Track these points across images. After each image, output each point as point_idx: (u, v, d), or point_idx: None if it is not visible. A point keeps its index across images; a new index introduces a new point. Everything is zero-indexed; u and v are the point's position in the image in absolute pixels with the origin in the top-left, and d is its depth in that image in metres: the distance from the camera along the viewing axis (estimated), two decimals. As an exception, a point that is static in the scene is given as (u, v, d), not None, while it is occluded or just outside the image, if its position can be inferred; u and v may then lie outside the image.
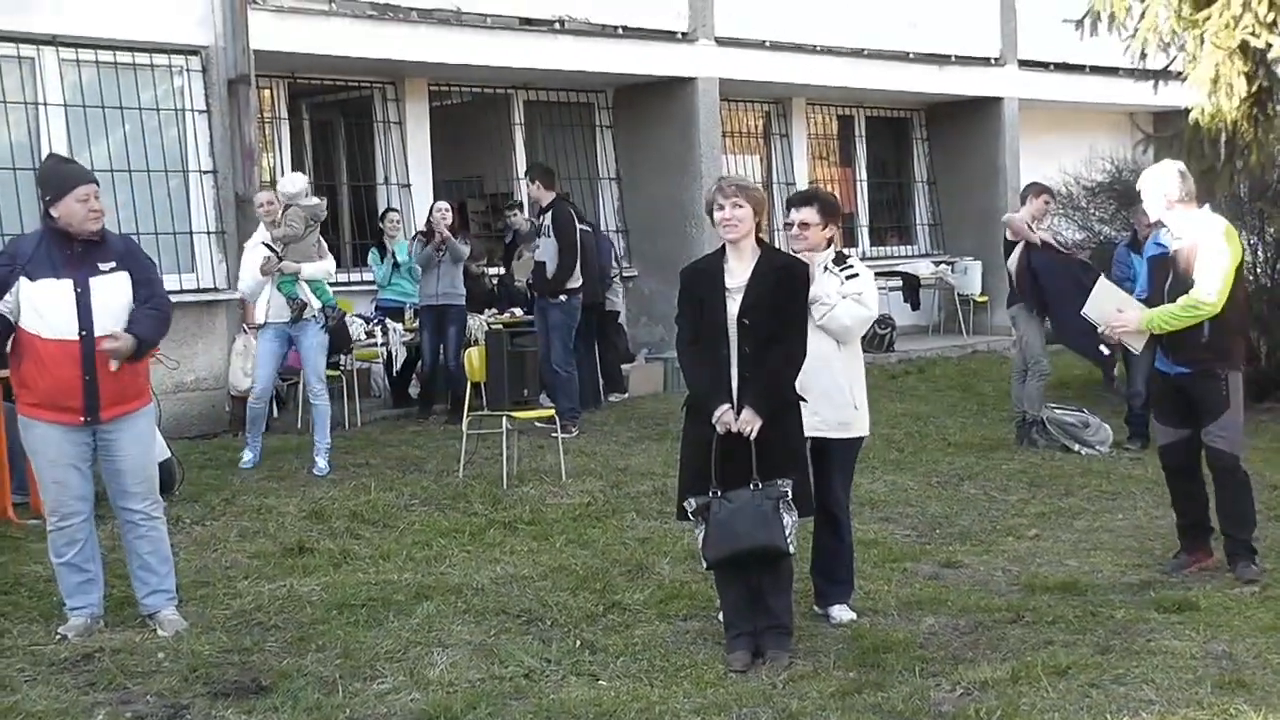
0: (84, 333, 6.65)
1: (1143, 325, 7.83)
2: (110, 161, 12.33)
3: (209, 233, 12.90)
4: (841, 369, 7.08)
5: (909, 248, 20.85)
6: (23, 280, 6.67)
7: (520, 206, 15.43)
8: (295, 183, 11.51)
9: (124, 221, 11.96)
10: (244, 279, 11.33)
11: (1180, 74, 12.60)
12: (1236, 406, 7.79)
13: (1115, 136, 19.74)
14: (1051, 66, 20.35)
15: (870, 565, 8.07)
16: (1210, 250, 7.65)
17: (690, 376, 6.68)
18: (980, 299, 19.76)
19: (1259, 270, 14.27)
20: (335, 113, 16.51)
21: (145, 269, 6.95)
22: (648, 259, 16.62)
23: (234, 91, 12.95)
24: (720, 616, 6.77)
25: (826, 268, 7.09)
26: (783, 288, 6.50)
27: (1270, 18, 11.32)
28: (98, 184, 6.85)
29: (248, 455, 11.15)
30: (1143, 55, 12.39)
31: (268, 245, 11.09)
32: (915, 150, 21.00)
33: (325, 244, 11.55)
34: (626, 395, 14.92)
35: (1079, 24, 12.92)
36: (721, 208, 6.54)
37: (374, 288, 14.53)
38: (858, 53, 18.18)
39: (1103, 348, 10.56)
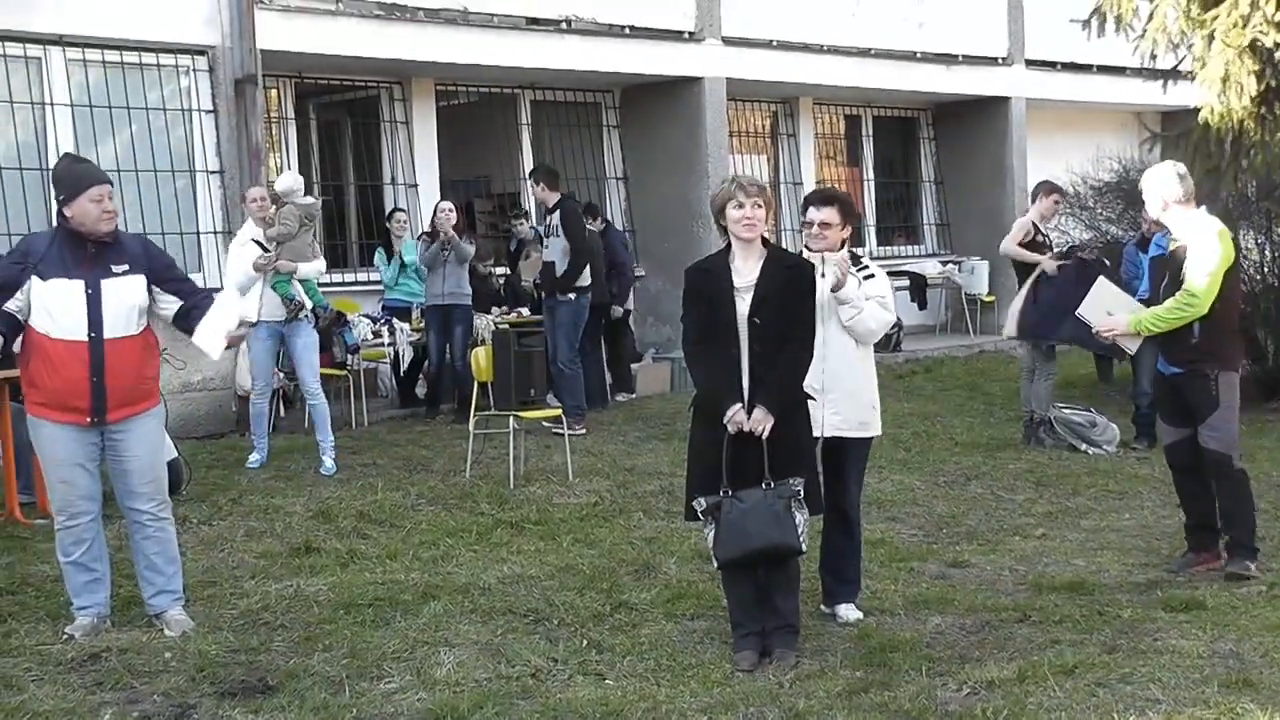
0: (93, 334, 6.65)
1: (1132, 328, 7.90)
2: (117, 161, 12.34)
3: (216, 233, 12.91)
4: (862, 370, 7.10)
5: (916, 247, 20.84)
6: (34, 279, 6.66)
7: (526, 215, 15.42)
8: (289, 181, 11.50)
9: (130, 221, 11.93)
10: (232, 275, 11.29)
11: (1189, 74, 12.58)
12: (1228, 406, 7.80)
13: (1122, 136, 19.69)
14: (1059, 66, 20.35)
15: (877, 565, 8.06)
16: (1200, 250, 7.71)
17: (700, 376, 6.65)
18: (988, 298, 19.74)
19: (1266, 269, 14.25)
20: (342, 113, 16.52)
21: (171, 266, 7.03)
22: (654, 259, 16.62)
23: (241, 91, 12.96)
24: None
25: (836, 264, 7.08)
26: (792, 287, 6.50)
27: (1279, 17, 11.30)
28: (112, 184, 6.85)
29: (255, 455, 11.16)
30: (1152, 56, 12.38)
31: (259, 242, 11.07)
32: (922, 150, 20.99)
33: (318, 244, 11.53)
34: (634, 395, 14.93)
35: (1086, 24, 12.91)
36: (742, 206, 6.52)
37: (380, 288, 14.53)
38: (865, 52, 18.18)
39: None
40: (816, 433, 6.94)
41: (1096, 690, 5.93)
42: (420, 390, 14.13)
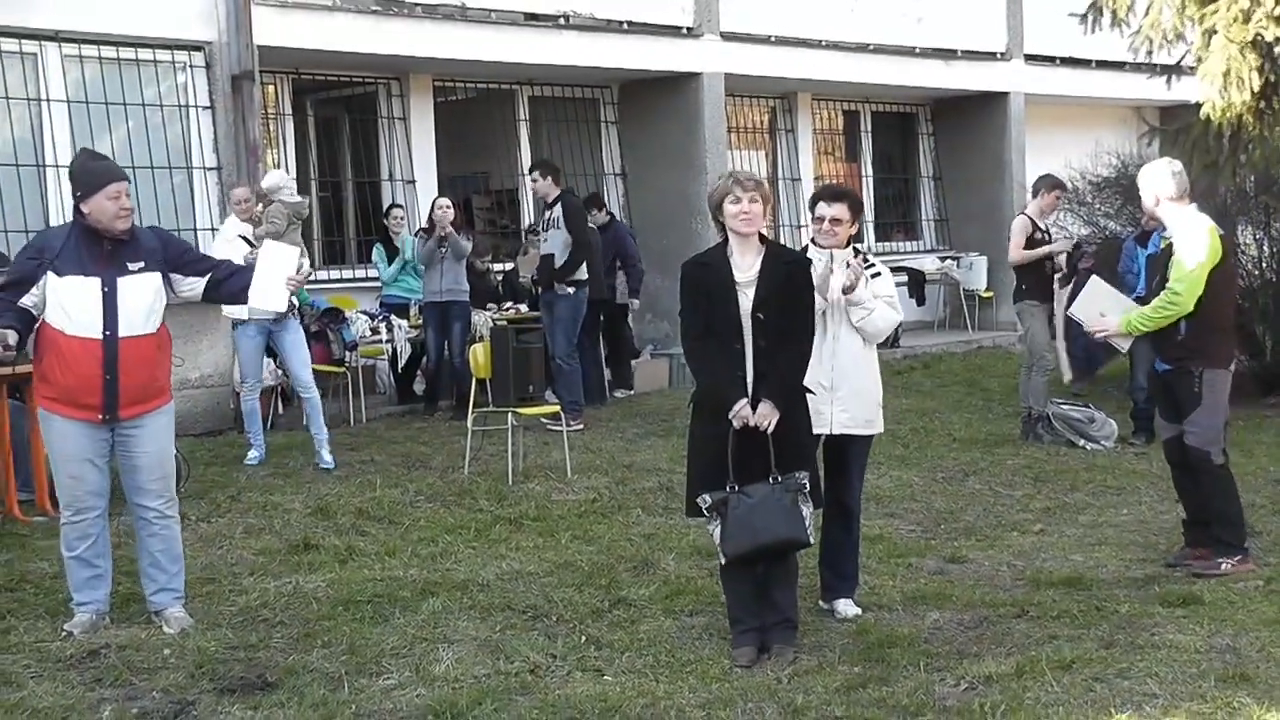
0: (108, 332, 6.65)
1: (1122, 328, 7.97)
2: (114, 157, 12.17)
3: (213, 229, 12.89)
4: (869, 368, 7.13)
5: (914, 243, 20.84)
6: (50, 275, 6.66)
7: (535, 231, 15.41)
8: (275, 178, 11.49)
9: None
10: None
11: (1189, 68, 12.59)
12: (1212, 404, 7.84)
13: (1121, 131, 19.67)
14: (1057, 61, 20.36)
15: (875, 560, 8.07)
16: (1185, 248, 7.77)
17: (701, 372, 6.62)
18: (986, 294, 19.75)
19: (1264, 265, 14.25)
20: (340, 109, 16.51)
21: (186, 251, 7.09)
22: (653, 254, 16.60)
23: (238, 88, 12.95)
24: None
25: (849, 264, 7.09)
26: (793, 283, 6.50)
27: (1279, 11, 11.31)
28: (129, 182, 6.86)
29: (253, 452, 11.15)
30: (1148, 51, 12.39)
31: (246, 239, 11.06)
32: (921, 145, 20.99)
33: (304, 244, 11.52)
34: (632, 391, 14.93)
35: (1084, 19, 12.92)
36: (739, 200, 6.51)
37: (379, 284, 14.52)
38: (863, 48, 18.19)
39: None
40: (824, 430, 6.97)
41: (1094, 685, 5.94)
42: (418, 387, 14.13)
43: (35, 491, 9.41)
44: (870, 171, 20.43)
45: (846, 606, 7.13)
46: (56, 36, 12.19)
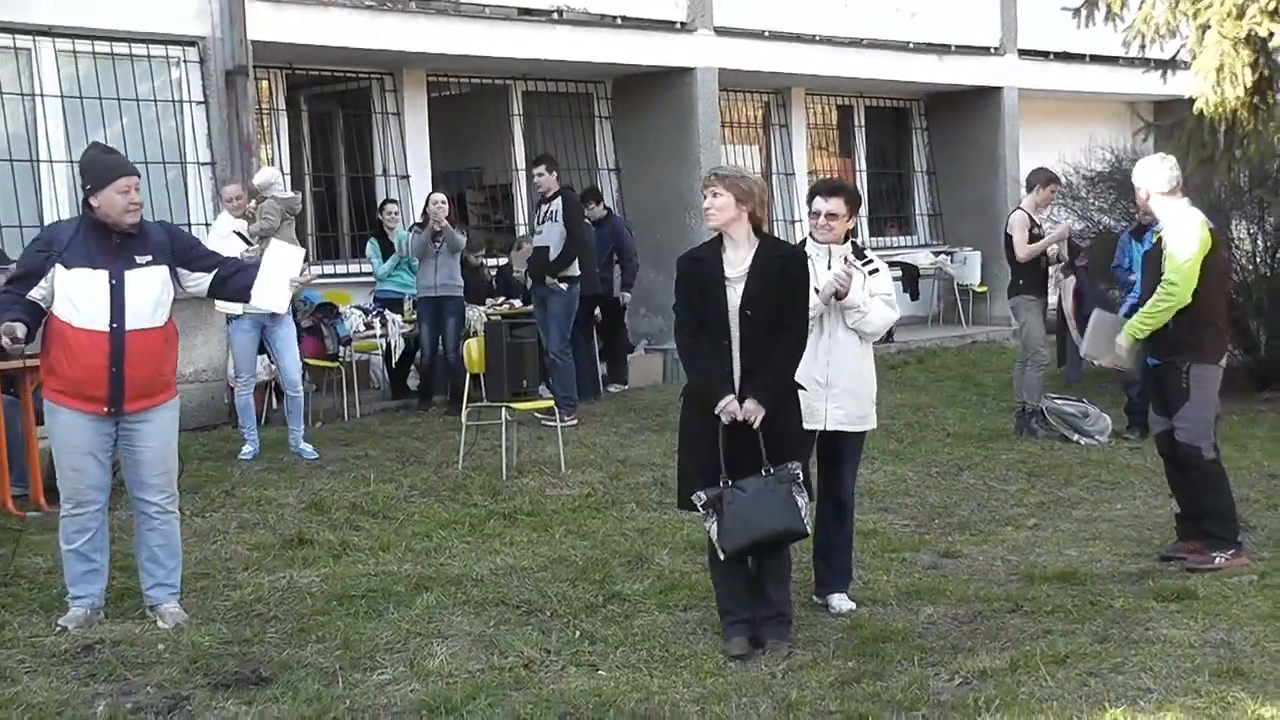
0: (115, 325, 6.65)
1: (1127, 338, 7.96)
2: (108, 153, 12.30)
3: (207, 224, 12.86)
4: (864, 364, 7.13)
5: (908, 238, 20.84)
6: (58, 268, 6.67)
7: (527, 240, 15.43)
8: (267, 174, 11.51)
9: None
10: None
11: (1184, 63, 12.59)
12: (1200, 399, 7.86)
13: (1115, 126, 19.73)
14: (1051, 56, 20.36)
15: (869, 555, 8.08)
16: (1176, 240, 7.81)
17: (692, 367, 6.64)
18: (980, 289, 19.76)
19: (1258, 259, 14.27)
20: (333, 104, 16.49)
21: (192, 247, 7.09)
22: (646, 250, 16.58)
23: (232, 83, 12.94)
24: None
25: (847, 259, 7.09)
26: (785, 278, 6.48)
27: (1273, 6, 11.31)
28: (139, 176, 6.88)
29: (247, 447, 11.16)
30: (1141, 46, 12.39)
31: (240, 234, 11.06)
32: (915, 140, 20.99)
33: (298, 240, 11.53)
34: (626, 386, 14.93)
35: (1077, 13, 12.91)
36: (704, 195, 6.55)
37: (373, 279, 14.51)
38: (857, 42, 18.18)
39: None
40: (819, 426, 6.98)
41: (1088, 680, 5.95)
42: (412, 382, 14.13)
43: (30, 486, 9.39)
44: (864, 166, 20.42)
45: (841, 601, 7.14)
46: (50, 32, 12.16)
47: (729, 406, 6.35)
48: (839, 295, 6.97)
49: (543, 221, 13.13)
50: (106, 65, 12.57)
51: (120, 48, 12.57)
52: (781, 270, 6.48)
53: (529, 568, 7.95)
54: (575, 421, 12.42)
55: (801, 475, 6.43)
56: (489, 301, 14.42)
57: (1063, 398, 12.16)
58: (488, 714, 5.68)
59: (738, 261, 6.50)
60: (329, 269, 15.13)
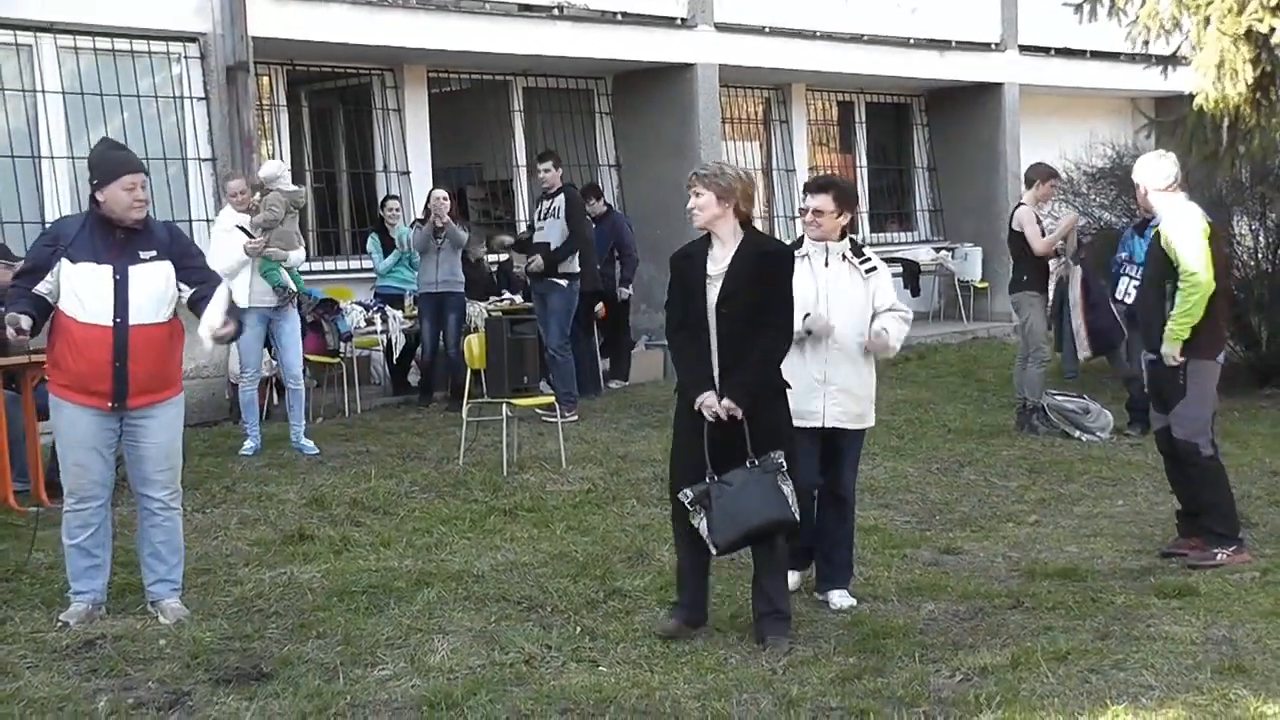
0: (119, 320, 6.66)
1: (1170, 341, 7.82)
2: (109, 149, 12.30)
3: (207, 220, 12.87)
4: (867, 367, 7.14)
5: (909, 234, 20.84)
6: (64, 262, 6.69)
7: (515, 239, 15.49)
8: (272, 167, 11.53)
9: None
10: (217, 261, 11.24)
11: (1185, 59, 12.58)
12: (1196, 395, 7.84)
13: (1116, 121, 19.72)
14: (1052, 51, 20.34)
15: (870, 551, 8.08)
16: (1179, 233, 7.79)
17: (677, 364, 6.72)
18: (981, 285, 19.76)
19: (1260, 255, 14.26)
20: (334, 100, 16.48)
21: (193, 255, 7.02)
22: (647, 246, 16.59)
23: (232, 79, 12.93)
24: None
25: (845, 256, 7.09)
26: (764, 274, 6.48)
27: (1274, 2, 11.31)
28: (146, 173, 6.86)
29: (248, 443, 11.16)
30: (1144, 41, 12.38)
31: (243, 229, 11.06)
32: (916, 136, 20.97)
33: (300, 233, 11.55)
34: (627, 382, 14.93)
35: (1079, 9, 12.91)
36: (688, 195, 6.57)
37: (374, 275, 14.50)
38: (858, 38, 18.16)
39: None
40: (817, 424, 6.99)
41: (1089, 676, 5.94)
42: (413, 378, 14.13)
43: (31, 482, 9.39)
44: (865, 162, 20.41)
45: (841, 598, 7.13)
46: (51, 28, 12.16)
47: (706, 401, 6.39)
48: (878, 346, 7.06)
49: (544, 218, 13.12)
50: (108, 61, 12.57)
51: (121, 44, 12.57)
52: (759, 267, 6.48)
53: (530, 564, 7.95)
54: (576, 417, 12.42)
55: (786, 465, 6.44)
56: (492, 298, 14.42)
57: (1064, 394, 12.15)
58: (489, 710, 5.67)
59: (721, 258, 6.53)
60: (329, 265, 15.14)
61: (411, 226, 13.75)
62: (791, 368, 6.87)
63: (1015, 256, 12.22)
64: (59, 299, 6.73)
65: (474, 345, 11.19)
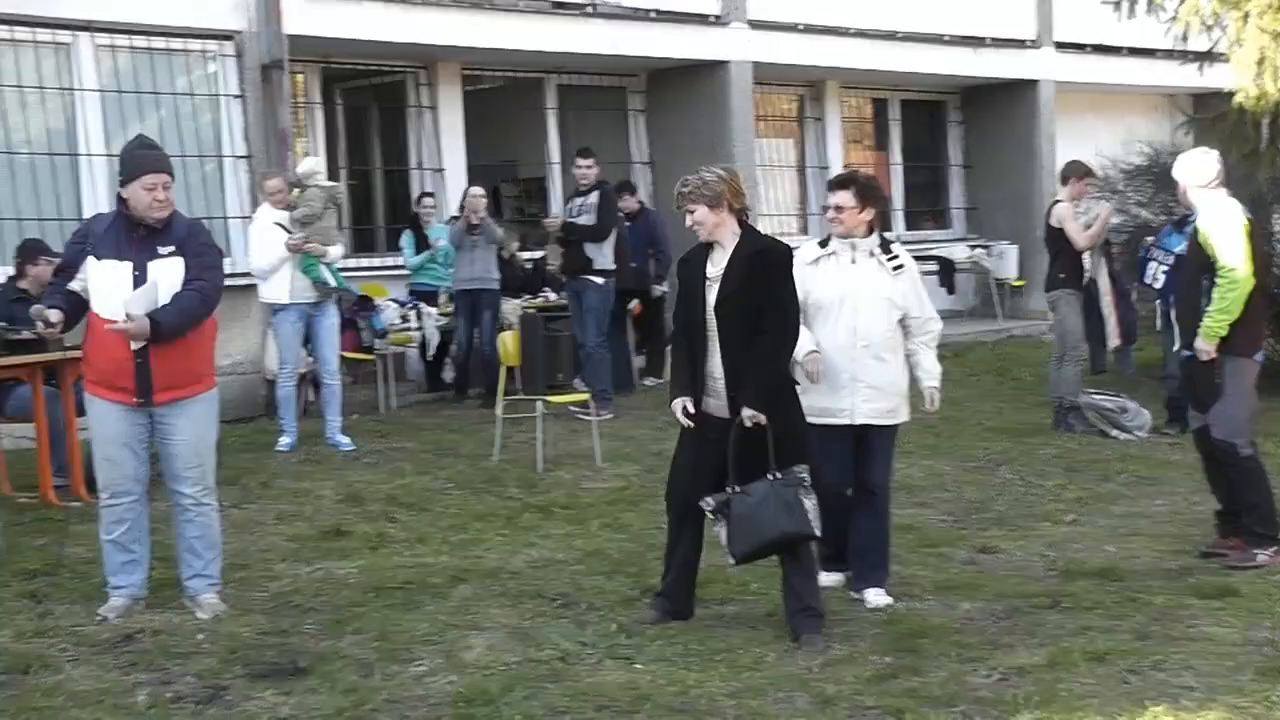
0: (139, 315, 6.66)
1: (1205, 338, 7.76)
2: (146, 146, 12.37)
3: (243, 217, 12.93)
4: (896, 364, 7.12)
5: (944, 232, 20.76)
6: (90, 259, 6.73)
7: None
8: (310, 164, 11.62)
9: (160, 206, 11.99)
10: (257, 258, 11.34)
11: (1223, 56, 12.50)
12: (1234, 395, 7.78)
13: (1153, 118, 19.58)
14: (1088, 48, 20.22)
15: (906, 550, 8.04)
16: (1216, 228, 7.75)
17: (671, 368, 6.80)
18: (1017, 283, 19.66)
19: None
20: (368, 97, 16.53)
21: (199, 252, 6.87)
22: (679, 244, 16.57)
23: (268, 77, 12.99)
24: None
25: (873, 253, 7.07)
26: (760, 274, 6.47)
27: (1313, 0, 11.24)
28: (170, 174, 6.83)
29: (285, 439, 11.20)
30: (1184, 38, 12.30)
31: (282, 225, 11.12)
32: (950, 133, 20.89)
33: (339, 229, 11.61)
34: (661, 380, 14.91)
35: (1117, 5, 12.84)
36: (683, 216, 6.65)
37: (408, 272, 14.53)
38: (892, 35, 18.10)
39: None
40: (847, 420, 6.98)
41: (1128, 677, 5.91)
42: (447, 374, 14.15)
43: (71, 477, 9.45)
44: (899, 160, 20.34)
45: (877, 596, 7.11)
46: (89, 26, 12.23)
47: (675, 406, 6.52)
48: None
49: (577, 214, 13.13)
50: (144, 59, 12.63)
51: (158, 42, 12.63)
52: (754, 267, 6.47)
53: (565, 561, 7.95)
54: (611, 414, 12.42)
55: (809, 479, 6.44)
56: (526, 295, 14.44)
57: (1101, 393, 12.09)
58: (524, 706, 5.67)
59: (718, 261, 6.56)
60: (364, 262, 15.17)
61: (447, 224, 13.78)
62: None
63: (1052, 254, 12.16)
64: (90, 296, 6.76)
65: (509, 342, 11.20)
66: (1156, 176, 14.91)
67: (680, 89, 17.02)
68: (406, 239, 14.45)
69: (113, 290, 6.65)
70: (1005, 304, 19.70)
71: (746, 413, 6.36)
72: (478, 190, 13.41)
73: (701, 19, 16.42)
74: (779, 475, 6.39)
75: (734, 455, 6.40)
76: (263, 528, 8.79)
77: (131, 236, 6.74)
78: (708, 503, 6.47)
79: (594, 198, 12.99)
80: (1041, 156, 19.67)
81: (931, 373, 7.18)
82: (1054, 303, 12.12)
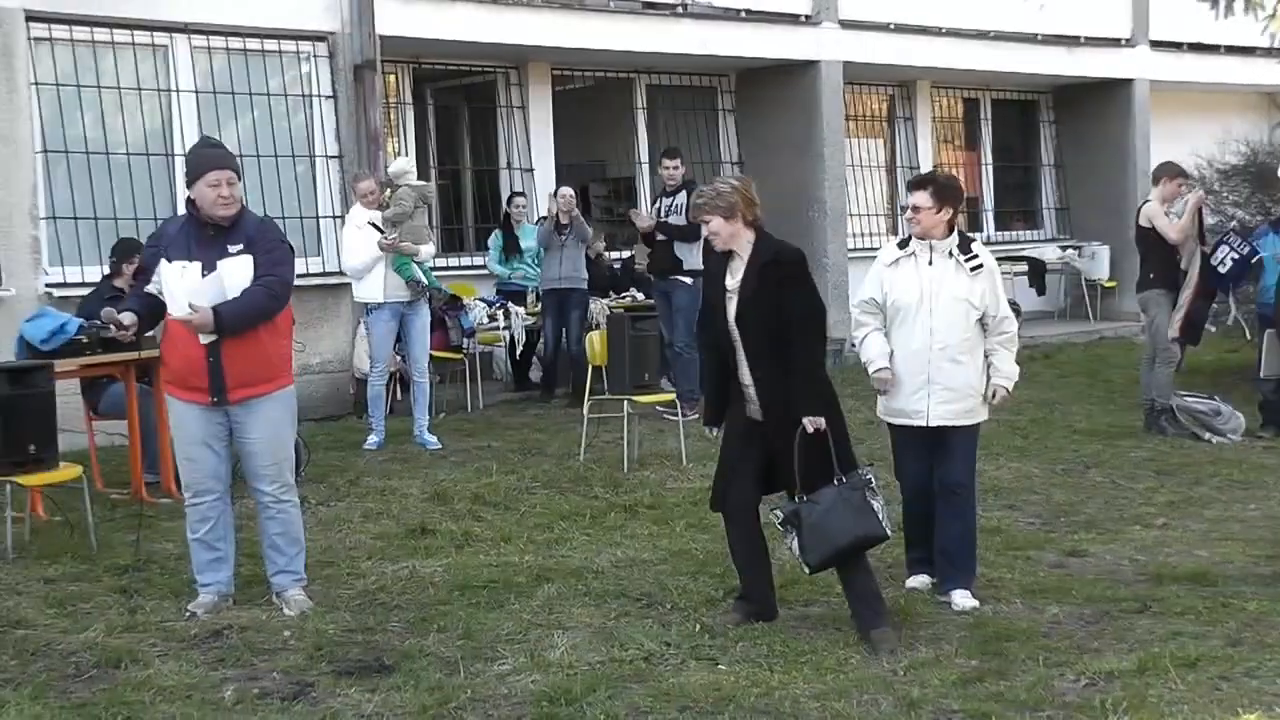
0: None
1: None
2: (239, 147, 12.52)
3: (334, 217, 13.06)
4: (973, 366, 7.05)
5: (1035, 232, 20.57)
6: (163, 261, 6.80)
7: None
8: (402, 164, 11.72)
9: (251, 205, 11.99)
10: (351, 258, 11.43)
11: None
12: None
13: (1251, 118, 19.30)
14: (1185, 47, 19.95)
15: (993, 553, 7.96)
16: None
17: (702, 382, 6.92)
18: (1109, 284, 19.44)
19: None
20: (459, 97, 16.64)
21: (269, 250, 6.87)
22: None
23: (360, 77, 13.12)
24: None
25: (951, 254, 7.02)
26: (775, 281, 6.47)
27: None
28: (235, 170, 6.85)
29: (372, 437, 11.30)
30: (1284, 35, 12.07)
31: (375, 225, 11.22)
32: (1042, 133, 20.70)
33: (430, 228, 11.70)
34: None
35: (1214, 4, 12.62)
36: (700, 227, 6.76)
37: (497, 271, 14.60)
38: (984, 35, 17.96)
39: None
40: (922, 422, 7.00)
41: (1220, 684, 5.81)
42: (534, 374, 14.21)
43: (161, 474, 9.58)
44: (990, 160, 20.19)
45: (963, 598, 7.04)
46: (186, 28, 12.41)
47: (707, 430, 6.74)
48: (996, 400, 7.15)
49: (665, 214, 13.12)
50: (239, 60, 12.81)
51: (252, 43, 12.80)
52: (769, 275, 6.47)
53: (649, 560, 7.95)
54: (697, 415, 12.37)
55: (874, 480, 6.46)
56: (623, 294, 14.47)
57: (1193, 395, 11.91)
58: (607, 706, 5.68)
59: (735, 271, 6.59)
60: (453, 261, 15.28)
61: (536, 224, 13.85)
62: (896, 368, 6.98)
63: (1142, 254, 12.01)
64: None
65: (595, 342, 11.23)
66: (1253, 176, 14.68)
67: (770, 89, 16.99)
68: (495, 240, 14.52)
69: (182, 290, 6.70)
70: (1097, 305, 19.48)
71: (809, 420, 6.35)
72: (567, 190, 13.47)
73: (792, 19, 16.38)
74: (844, 480, 6.39)
75: (799, 465, 6.38)
76: (349, 525, 8.86)
77: (201, 236, 6.79)
78: (777, 515, 6.49)
79: (682, 197, 12.96)
80: (1135, 156, 19.45)
81: (1002, 371, 7.09)
82: (1145, 304, 11.97)
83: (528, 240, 14.14)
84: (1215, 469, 10.42)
